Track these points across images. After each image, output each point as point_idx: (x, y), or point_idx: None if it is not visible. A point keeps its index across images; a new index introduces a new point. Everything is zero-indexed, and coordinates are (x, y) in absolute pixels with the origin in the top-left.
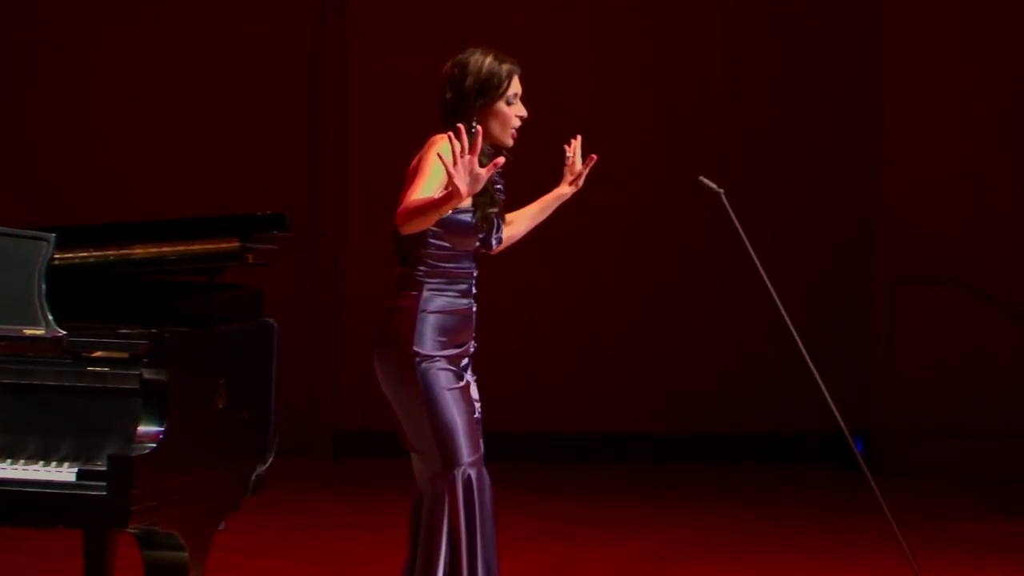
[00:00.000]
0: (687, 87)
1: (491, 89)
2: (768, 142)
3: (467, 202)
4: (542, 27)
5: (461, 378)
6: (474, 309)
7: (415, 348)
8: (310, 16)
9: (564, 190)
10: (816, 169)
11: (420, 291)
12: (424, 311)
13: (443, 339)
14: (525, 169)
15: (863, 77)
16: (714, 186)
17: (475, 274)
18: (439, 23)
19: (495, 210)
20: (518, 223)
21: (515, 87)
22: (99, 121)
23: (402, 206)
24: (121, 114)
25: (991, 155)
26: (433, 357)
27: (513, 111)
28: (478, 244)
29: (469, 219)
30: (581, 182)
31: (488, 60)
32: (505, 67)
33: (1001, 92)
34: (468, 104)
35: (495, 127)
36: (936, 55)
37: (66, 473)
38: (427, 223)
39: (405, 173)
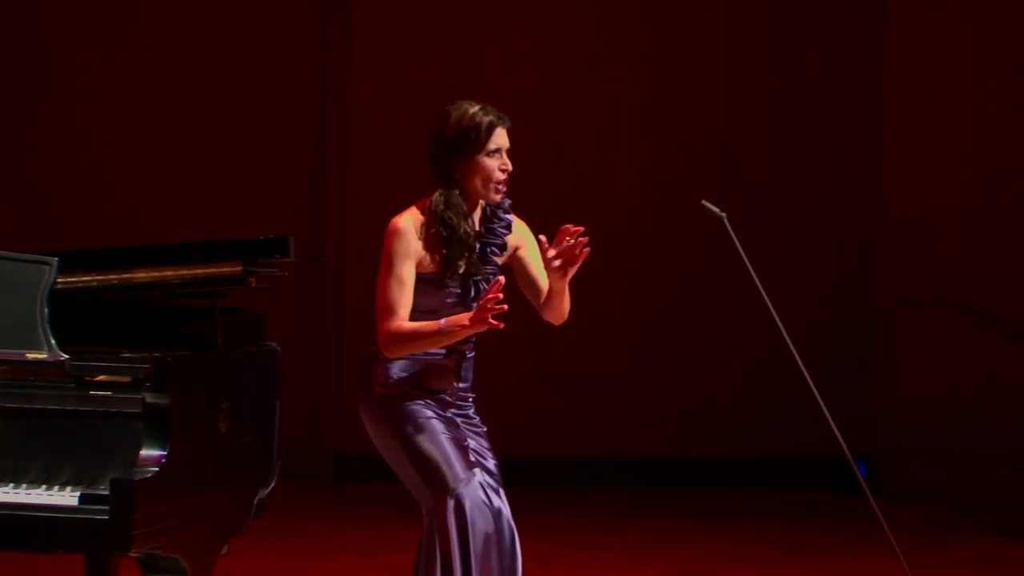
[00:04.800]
0: (688, 112)
1: (467, 143)
2: (770, 166)
3: (431, 265)
4: (543, 44)
5: (438, 413)
6: (452, 358)
7: (380, 388)
8: (311, 39)
9: (554, 284)
10: (818, 194)
11: None
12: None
13: (411, 379)
14: (526, 200)
15: (866, 101)
16: (716, 210)
17: None
18: (443, 46)
19: (462, 265)
20: (548, 313)
21: (497, 140)
22: (99, 144)
23: (391, 329)
24: (123, 137)
25: (993, 179)
26: (401, 395)
27: (495, 164)
28: (450, 301)
29: (435, 280)
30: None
31: (471, 112)
32: (487, 119)
33: (1004, 118)
34: (444, 157)
35: (477, 182)
36: (939, 80)
37: (68, 497)
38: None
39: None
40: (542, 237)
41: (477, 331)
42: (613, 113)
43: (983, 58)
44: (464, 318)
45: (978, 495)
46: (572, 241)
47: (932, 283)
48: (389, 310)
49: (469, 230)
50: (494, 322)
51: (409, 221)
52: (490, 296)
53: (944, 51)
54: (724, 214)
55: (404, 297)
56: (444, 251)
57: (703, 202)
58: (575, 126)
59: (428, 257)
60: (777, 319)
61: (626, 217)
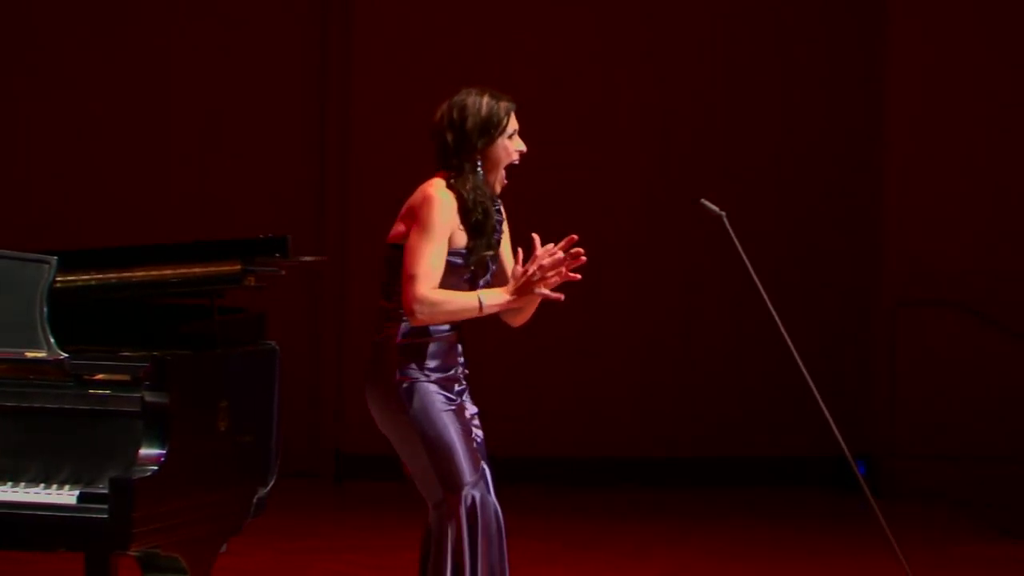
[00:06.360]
0: (688, 112)
1: (492, 127)
2: (770, 165)
3: (462, 242)
4: (544, 46)
5: (453, 401)
6: (456, 334)
7: (400, 376)
8: (311, 39)
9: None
10: (818, 193)
11: (399, 321)
12: (406, 339)
13: (428, 364)
14: (526, 200)
15: (866, 101)
16: (716, 209)
17: None
18: (443, 45)
19: (490, 253)
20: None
21: (514, 123)
22: (100, 143)
23: (426, 295)
24: (122, 137)
25: (993, 179)
26: (420, 380)
27: (513, 146)
28: (466, 279)
29: (461, 261)
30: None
31: (486, 99)
32: (503, 104)
33: (1004, 118)
34: (470, 144)
35: (494, 166)
36: (939, 79)
37: (67, 496)
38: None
39: (400, 211)
40: (534, 235)
41: (518, 305)
42: (613, 113)
43: (983, 57)
44: (504, 292)
45: (978, 495)
46: (560, 255)
47: (932, 283)
48: (426, 275)
49: (494, 216)
50: (553, 295)
51: (446, 195)
52: (532, 268)
53: (944, 51)
54: (724, 213)
55: (440, 266)
56: (474, 235)
57: (702, 201)
58: (575, 126)
59: (457, 235)
60: (777, 319)
61: (626, 217)
